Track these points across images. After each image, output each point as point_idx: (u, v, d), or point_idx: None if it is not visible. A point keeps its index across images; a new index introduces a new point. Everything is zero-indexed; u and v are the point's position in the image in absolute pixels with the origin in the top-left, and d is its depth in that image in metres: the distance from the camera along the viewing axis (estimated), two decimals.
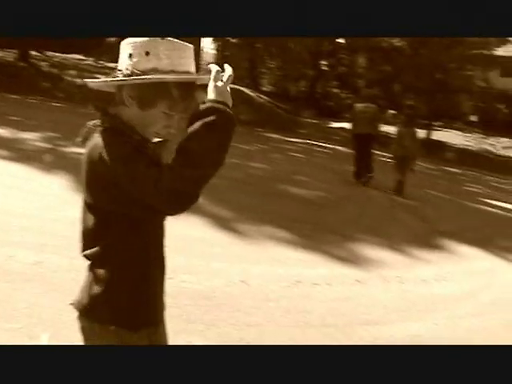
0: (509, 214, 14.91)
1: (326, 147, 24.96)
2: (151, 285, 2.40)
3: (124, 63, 2.26)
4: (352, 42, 33.87)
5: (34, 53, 29.74)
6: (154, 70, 2.20)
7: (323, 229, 9.58)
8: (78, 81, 26.91)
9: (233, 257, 7.20)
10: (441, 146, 33.12)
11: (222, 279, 6.37)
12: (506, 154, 35.75)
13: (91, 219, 2.28)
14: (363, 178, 14.47)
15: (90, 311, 2.33)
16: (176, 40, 2.28)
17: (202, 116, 2.04)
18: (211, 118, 2.03)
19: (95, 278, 2.30)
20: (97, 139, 2.18)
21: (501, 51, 38.80)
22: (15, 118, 15.66)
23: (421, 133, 34.26)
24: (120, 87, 2.28)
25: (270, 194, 11.35)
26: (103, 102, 2.35)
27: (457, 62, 32.97)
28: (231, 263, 6.94)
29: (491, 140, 38.55)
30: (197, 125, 2.02)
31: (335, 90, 40.57)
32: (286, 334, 5.32)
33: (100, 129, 2.24)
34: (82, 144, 2.29)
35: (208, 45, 50.32)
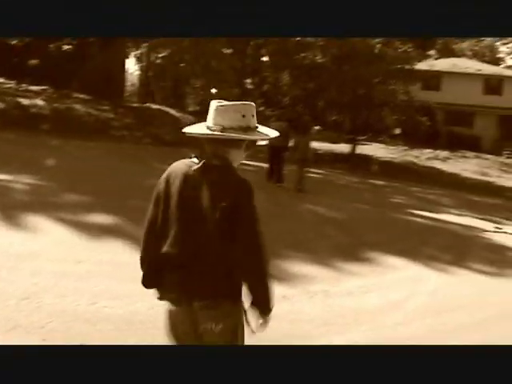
0: (433, 223, 15.18)
1: (251, 165, 25.01)
2: None
3: (237, 120, 3.30)
4: (276, 59, 34.11)
5: None
6: (256, 127, 3.43)
7: None
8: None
9: None
10: (366, 159, 33.63)
11: (145, 302, 6.23)
12: (430, 165, 36.59)
13: (212, 228, 3.22)
14: (274, 180, 17.58)
15: (232, 295, 3.32)
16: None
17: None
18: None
19: (225, 270, 3.28)
20: (235, 180, 3.30)
21: (421, 65, 39.84)
22: None
23: (346, 147, 34.96)
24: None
25: None
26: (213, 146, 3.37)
27: (379, 77, 33.54)
28: None
29: (415, 152, 39.40)
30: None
31: (261, 108, 40.83)
32: None
33: (207, 164, 3.28)
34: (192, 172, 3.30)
35: (132, 66, 50.07)
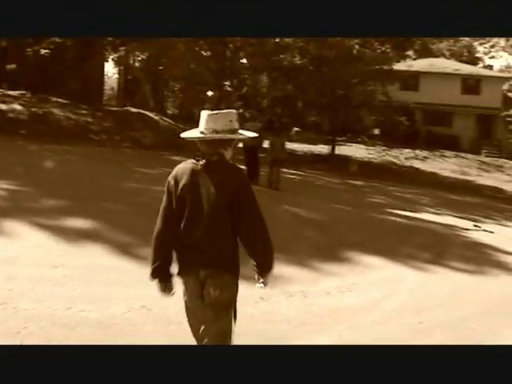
0: (412, 222, 15.22)
1: None
2: None
3: (227, 125, 4.07)
4: (254, 61, 34.05)
5: None
6: (238, 129, 4.18)
7: None
8: None
9: (133, 282, 7.00)
10: (345, 159, 33.72)
11: (122, 306, 6.21)
12: (409, 165, 36.79)
13: (219, 212, 3.98)
14: (253, 180, 16.99)
15: (233, 269, 4.11)
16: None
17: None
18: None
19: (228, 247, 4.07)
20: (234, 170, 4.15)
21: (400, 66, 40.07)
22: None
23: (325, 148, 35.02)
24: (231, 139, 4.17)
25: None
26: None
27: (357, 78, 33.64)
28: (132, 289, 6.77)
29: (394, 151, 39.59)
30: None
31: (240, 111, 40.73)
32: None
33: (209, 161, 4.05)
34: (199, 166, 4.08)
35: (111, 69, 49.81)
